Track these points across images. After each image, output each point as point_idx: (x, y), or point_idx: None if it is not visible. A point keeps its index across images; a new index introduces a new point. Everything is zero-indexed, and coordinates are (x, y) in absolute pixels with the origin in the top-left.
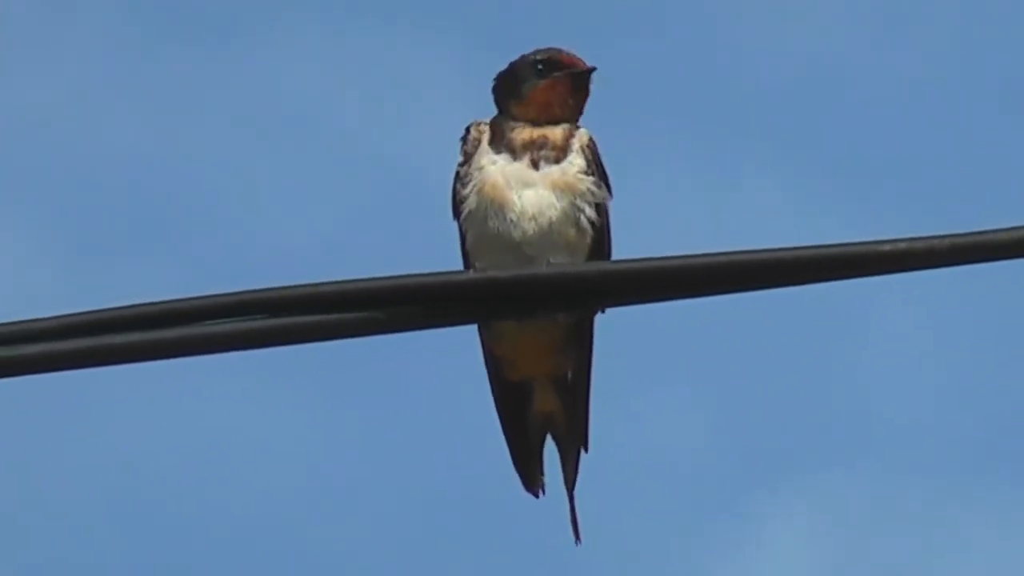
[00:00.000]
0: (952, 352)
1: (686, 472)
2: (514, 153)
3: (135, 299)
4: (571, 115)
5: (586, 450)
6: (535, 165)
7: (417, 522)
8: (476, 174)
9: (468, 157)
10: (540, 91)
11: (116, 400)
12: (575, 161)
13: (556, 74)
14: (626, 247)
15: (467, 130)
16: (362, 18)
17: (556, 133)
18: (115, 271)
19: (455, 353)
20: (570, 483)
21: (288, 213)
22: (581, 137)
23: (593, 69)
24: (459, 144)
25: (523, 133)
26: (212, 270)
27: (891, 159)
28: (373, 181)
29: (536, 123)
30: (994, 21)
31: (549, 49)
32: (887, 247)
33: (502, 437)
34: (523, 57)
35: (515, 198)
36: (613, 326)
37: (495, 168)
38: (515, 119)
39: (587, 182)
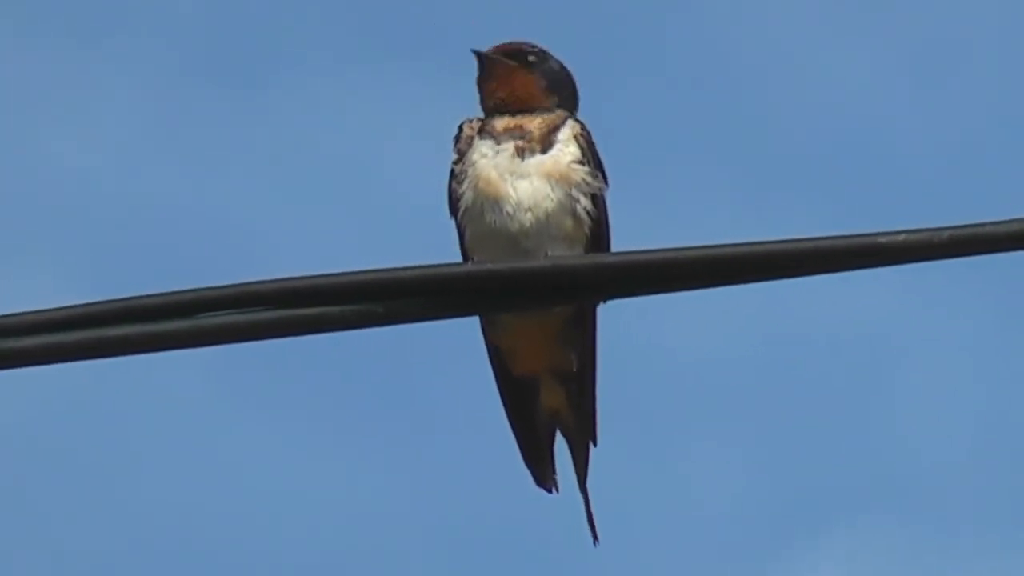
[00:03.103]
0: (990, 396)
1: (724, 519)
2: (499, 143)
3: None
4: (524, 100)
5: (595, 444)
6: (520, 154)
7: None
8: (470, 170)
9: (462, 155)
10: (479, 83)
11: (137, 441)
12: (567, 151)
13: (480, 65)
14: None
15: (460, 128)
16: (401, 64)
17: (533, 122)
18: None
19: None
20: (582, 480)
21: (328, 261)
22: (572, 127)
23: (477, 52)
24: (452, 142)
25: (500, 122)
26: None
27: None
28: (417, 232)
29: (511, 113)
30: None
31: (501, 45)
32: (885, 239)
33: (511, 434)
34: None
35: (510, 190)
36: (648, 374)
37: (486, 162)
38: (490, 113)
39: (581, 172)
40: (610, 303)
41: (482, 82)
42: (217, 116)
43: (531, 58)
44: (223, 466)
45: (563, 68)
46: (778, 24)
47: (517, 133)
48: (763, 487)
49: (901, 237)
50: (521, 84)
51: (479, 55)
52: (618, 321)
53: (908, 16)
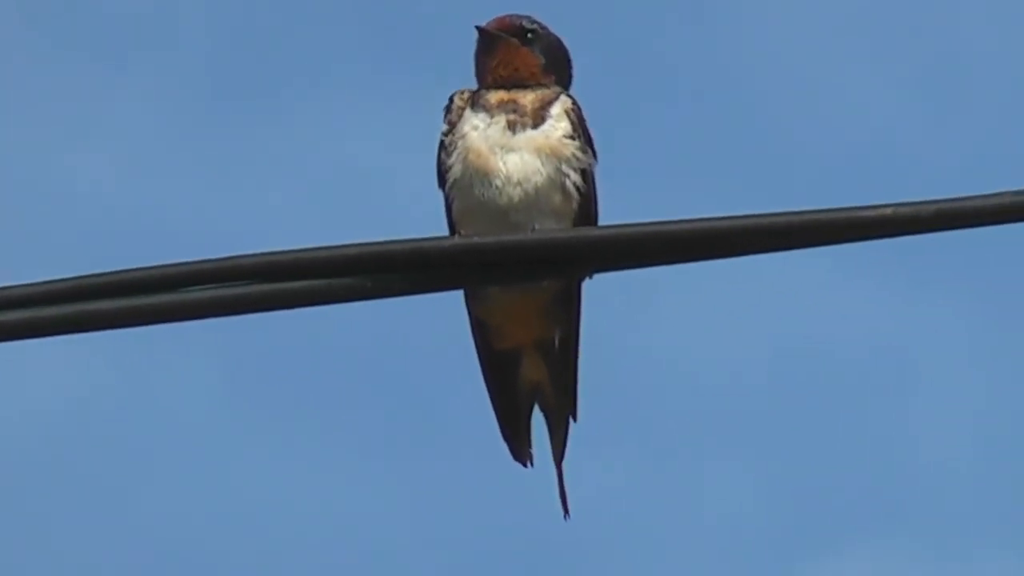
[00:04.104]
0: (1005, 411)
1: (735, 535)
2: (491, 116)
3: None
4: (528, 76)
5: (575, 419)
6: (511, 128)
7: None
8: (460, 142)
9: (452, 126)
10: (476, 56)
11: (154, 472)
12: (558, 125)
13: (477, 37)
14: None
15: (451, 99)
16: (418, 79)
17: (527, 97)
18: (169, 349)
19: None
20: (558, 455)
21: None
22: (563, 102)
23: (478, 27)
24: (443, 113)
25: (494, 96)
26: (273, 345)
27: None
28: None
29: (505, 87)
30: None
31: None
32: (872, 212)
33: (490, 406)
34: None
35: (500, 164)
36: (659, 387)
37: (476, 135)
38: (486, 85)
39: (572, 147)
40: (624, 317)
41: (480, 56)
42: (235, 132)
43: (530, 35)
44: (227, 476)
45: (560, 44)
46: (791, 42)
47: (511, 107)
48: (774, 503)
49: (888, 210)
50: (520, 61)
51: (480, 30)
52: (630, 334)
53: (919, 32)
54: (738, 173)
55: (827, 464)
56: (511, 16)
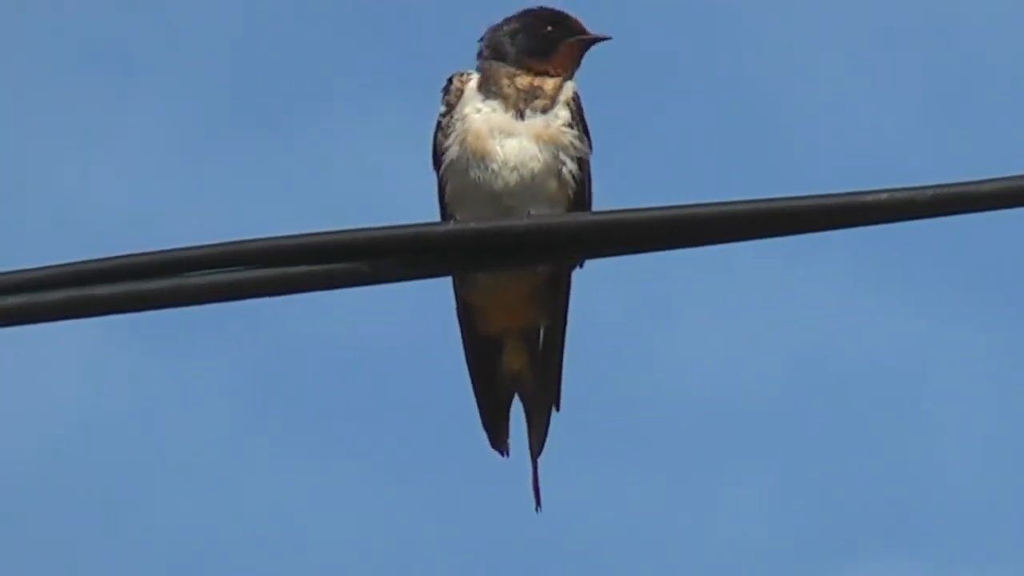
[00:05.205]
0: (1022, 428)
1: (751, 552)
2: (505, 99)
3: (206, 388)
4: (570, 74)
5: (558, 409)
6: (520, 114)
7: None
8: (459, 124)
9: (451, 108)
10: (565, 50)
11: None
12: (559, 114)
13: (580, 37)
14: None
15: (449, 80)
16: (426, 101)
17: (549, 84)
18: (187, 360)
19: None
20: (536, 446)
21: (364, 307)
22: (567, 90)
23: (605, 38)
24: (440, 95)
25: (522, 80)
26: (283, 357)
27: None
28: None
29: (538, 74)
30: None
31: (554, 12)
32: (869, 198)
33: (471, 392)
34: (528, 12)
35: (497, 148)
36: (675, 403)
37: (479, 117)
38: (517, 67)
39: (570, 135)
40: (644, 331)
41: (565, 57)
42: (246, 145)
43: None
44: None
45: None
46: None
47: (535, 92)
48: (787, 517)
49: (884, 196)
50: (579, 61)
51: (597, 39)
52: (648, 347)
53: (922, 35)
54: (737, 171)
55: (841, 479)
56: (570, 15)
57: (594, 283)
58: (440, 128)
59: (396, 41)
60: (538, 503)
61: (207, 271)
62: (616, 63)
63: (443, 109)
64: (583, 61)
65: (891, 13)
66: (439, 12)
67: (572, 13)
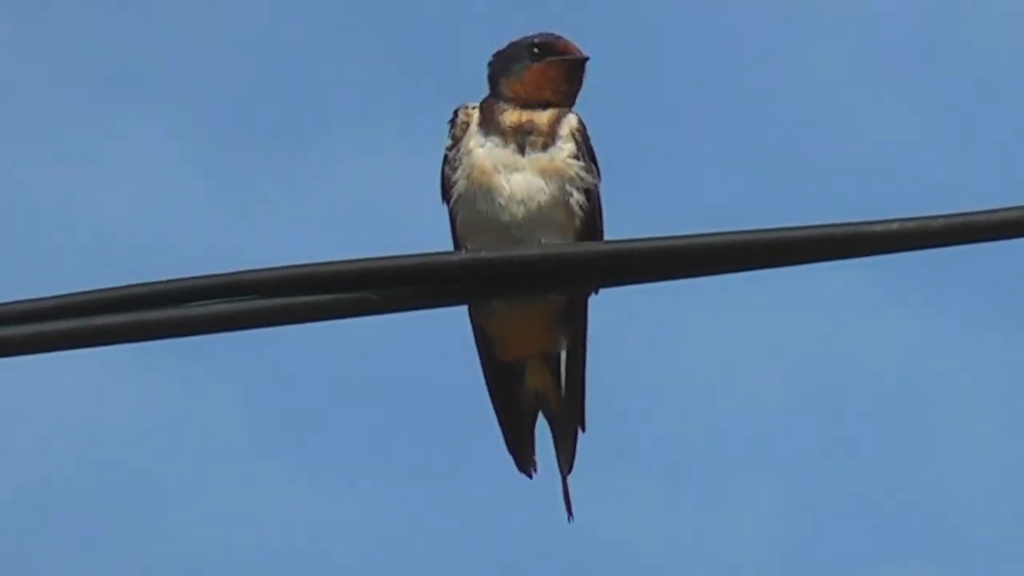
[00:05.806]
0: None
1: (760, 565)
2: (503, 136)
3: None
4: (562, 101)
5: (583, 430)
6: (521, 150)
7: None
8: (465, 158)
9: (456, 141)
10: (533, 73)
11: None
12: (564, 146)
13: (551, 59)
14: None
15: (455, 113)
16: (441, 114)
17: (543, 117)
18: (197, 377)
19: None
20: (566, 465)
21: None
22: (570, 121)
23: (587, 58)
24: (447, 127)
25: (512, 115)
26: (297, 376)
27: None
28: None
29: (527, 105)
30: None
31: (546, 34)
32: (879, 227)
33: (494, 418)
34: (520, 39)
35: (503, 182)
36: (686, 416)
37: (482, 152)
38: (506, 100)
39: (576, 167)
40: (656, 346)
41: (544, 78)
42: (255, 168)
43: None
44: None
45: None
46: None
47: (527, 128)
48: (799, 529)
49: (895, 225)
50: (570, 88)
51: (580, 59)
52: (658, 362)
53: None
54: (748, 191)
55: (852, 490)
56: (560, 38)
57: (613, 305)
58: (447, 161)
59: (407, 66)
60: (570, 514)
61: (213, 301)
62: (627, 89)
63: (449, 142)
64: (585, 86)
65: (897, 23)
66: (450, 37)
67: (564, 36)
